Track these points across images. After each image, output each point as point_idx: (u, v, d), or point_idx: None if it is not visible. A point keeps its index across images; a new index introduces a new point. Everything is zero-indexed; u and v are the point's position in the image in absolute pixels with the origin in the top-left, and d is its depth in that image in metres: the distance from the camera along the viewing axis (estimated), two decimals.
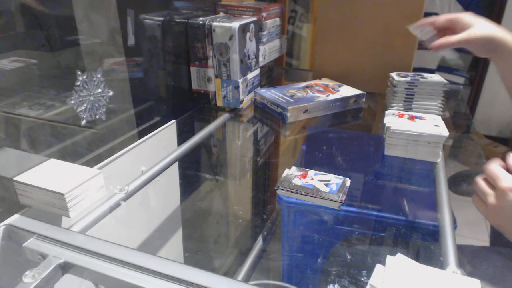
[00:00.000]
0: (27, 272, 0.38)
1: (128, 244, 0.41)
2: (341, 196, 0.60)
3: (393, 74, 0.85)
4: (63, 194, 0.45)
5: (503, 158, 0.51)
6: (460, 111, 1.11)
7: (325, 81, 1.02)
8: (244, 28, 0.83)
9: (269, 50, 1.07)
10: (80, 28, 0.57)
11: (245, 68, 0.88)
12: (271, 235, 0.78)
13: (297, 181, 0.63)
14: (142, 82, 0.74)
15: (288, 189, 0.62)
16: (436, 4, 2.17)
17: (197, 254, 0.95)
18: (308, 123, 0.89)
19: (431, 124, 0.71)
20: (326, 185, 0.62)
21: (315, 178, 0.64)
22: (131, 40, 0.68)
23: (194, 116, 0.90)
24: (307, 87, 0.97)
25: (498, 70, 0.68)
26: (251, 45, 0.89)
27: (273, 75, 1.25)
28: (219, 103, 0.89)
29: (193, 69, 0.88)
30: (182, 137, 0.79)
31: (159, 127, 0.76)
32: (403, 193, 0.74)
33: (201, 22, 0.82)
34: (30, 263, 0.42)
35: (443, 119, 0.74)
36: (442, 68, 2.31)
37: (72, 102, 0.55)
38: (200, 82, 0.89)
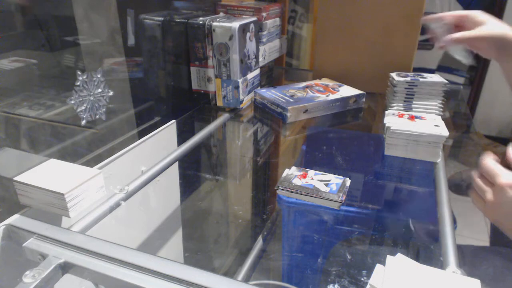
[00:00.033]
0: (27, 272, 0.38)
1: (128, 244, 0.41)
2: (341, 196, 0.60)
3: (393, 74, 0.85)
4: (63, 194, 0.45)
5: (504, 155, 0.51)
6: (460, 111, 1.11)
7: (325, 81, 1.02)
8: (244, 28, 0.83)
9: (269, 50, 1.07)
10: (80, 28, 0.57)
11: (245, 68, 0.88)
12: (271, 235, 0.78)
13: (297, 181, 0.63)
14: (142, 82, 0.74)
15: (288, 189, 0.62)
16: (436, 4, 2.17)
17: (197, 254, 0.95)
18: (308, 123, 0.89)
19: (431, 124, 0.71)
20: (326, 185, 0.62)
21: (315, 178, 0.64)
22: (131, 40, 0.68)
23: (194, 116, 0.90)
24: (307, 87, 0.97)
25: (504, 71, 0.67)
26: (251, 45, 0.89)
27: (273, 75, 1.25)
28: (219, 103, 0.89)
29: (193, 69, 0.88)
30: (182, 137, 0.79)
31: (159, 127, 0.76)
32: (403, 193, 0.74)
33: (201, 22, 0.82)
34: (30, 263, 0.42)
35: (443, 119, 0.74)
36: (442, 68, 2.32)
37: (72, 102, 0.55)
38: (200, 82, 0.89)
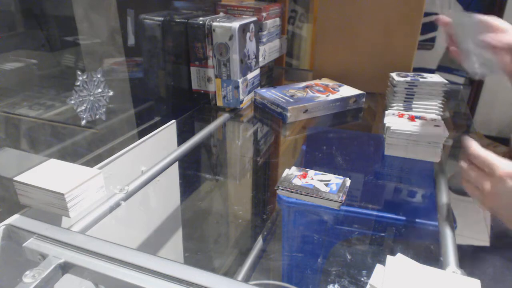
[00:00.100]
0: (27, 272, 0.38)
1: (128, 244, 0.41)
2: (341, 196, 0.60)
3: (393, 74, 0.85)
4: (63, 194, 0.45)
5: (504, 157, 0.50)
6: (460, 111, 1.11)
7: (325, 81, 1.02)
8: (244, 28, 0.83)
9: (269, 50, 1.07)
10: (80, 28, 0.57)
11: (245, 68, 0.88)
12: (271, 235, 0.78)
13: (297, 181, 0.63)
14: (142, 82, 0.73)
15: (288, 189, 0.62)
16: (436, 4, 2.17)
17: (197, 254, 0.95)
18: (308, 123, 0.89)
19: (431, 124, 0.71)
20: (326, 185, 0.62)
21: (315, 178, 0.64)
22: (131, 40, 0.68)
23: (194, 116, 0.90)
24: (307, 87, 0.97)
25: None
26: (251, 45, 0.89)
27: (273, 75, 1.25)
28: (219, 103, 0.89)
29: (193, 69, 0.88)
30: (182, 137, 0.79)
31: (159, 127, 0.76)
32: (403, 193, 0.74)
33: (201, 22, 0.82)
34: (30, 263, 0.42)
35: (443, 119, 0.74)
36: (442, 68, 2.31)
37: (72, 102, 0.55)
38: (200, 82, 0.89)
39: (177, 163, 0.70)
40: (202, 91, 0.89)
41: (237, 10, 0.97)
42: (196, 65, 0.87)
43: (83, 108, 0.57)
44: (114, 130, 0.66)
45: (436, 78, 0.82)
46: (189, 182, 0.90)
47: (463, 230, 1.58)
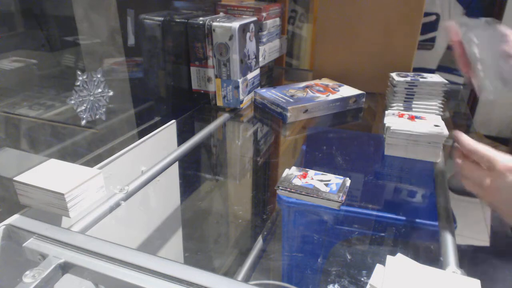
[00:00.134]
0: (27, 272, 0.38)
1: (128, 244, 0.41)
2: (341, 196, 0.60)
3: (393, 74, 0.85)
4: (63, 194, 0.45)
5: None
6: (460, 111, 1.11)
7: (325, 81, 1.02)
8: (244, 28, 0.83)
9: (269, 50, 1.07)
10: (80, 28, 0.57)
11: (245, 68, 0.88)
12: (271, 235, 0.78)
13: (297, 181, 0.63)
14: (142, 82, 0.73)
15: (288, 189, 0.62)
16: (436, 4, 2.17)
17: (197, 254, 0.95)
18: (308, 123, 0.89)
19: (431, 124, 0.71)
20: (326, 185, 0.62)
21: (315, 178, 0.64)
22: (131, 40, 0.68)
23: (194, 116, 0.90)
24: (307, 87, 0.97)
25: None
26: (251, 45, 0.89)
27: (273, 75, 1.25)
28: (219, 103, 0.89)
29: (193, 69, 0.88)
30: (182, 137, 0.79)
31: (159, 127, 0.76)
32: (403, 193, 0.74)
33: (201, 22, 0.82)
34: (30, 263, 0.42)
35: (443, 119, 0.74)
36: (442, 68, 2.31)
37: (72, 102, 0.55)
38: (200, 82, 0.89)
39: (177, 163, 0.70)
40: (202, 91, 0.89)
41: (237, 10, 0.97)
42: (196, 65, 0.87)
43: (83, 108, 0.57)
44: (114, 130, 0.65)
45: (436, 78, 0.82)
46: (189, 182, 0.90)
47: (463, 230, 1.58)
